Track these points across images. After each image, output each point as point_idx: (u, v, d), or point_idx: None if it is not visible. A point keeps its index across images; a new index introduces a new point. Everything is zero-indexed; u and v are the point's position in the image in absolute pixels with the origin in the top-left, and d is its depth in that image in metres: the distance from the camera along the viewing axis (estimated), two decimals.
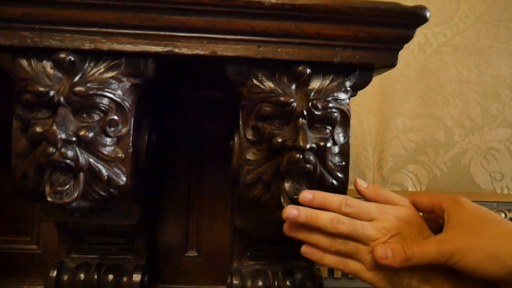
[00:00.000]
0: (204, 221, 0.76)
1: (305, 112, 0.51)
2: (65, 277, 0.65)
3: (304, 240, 0.53)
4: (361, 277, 0.51)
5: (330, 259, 0.52)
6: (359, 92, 0.58)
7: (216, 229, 0.77)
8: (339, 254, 0.52)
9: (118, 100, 0.51)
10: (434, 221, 0.54)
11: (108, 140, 0.51)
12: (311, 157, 0.51)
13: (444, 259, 0.46)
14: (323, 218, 0.50)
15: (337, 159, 0.55)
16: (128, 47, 0.49)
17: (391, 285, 0.50)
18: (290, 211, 0.50)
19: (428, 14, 0.50)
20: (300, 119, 0.51)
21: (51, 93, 0.48)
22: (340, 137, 0.54)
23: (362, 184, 0.55)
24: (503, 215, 1.09)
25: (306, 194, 0.51)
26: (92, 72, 0.50)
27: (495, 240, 0.45)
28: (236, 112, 0.57)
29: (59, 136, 0.46)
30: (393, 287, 0.50)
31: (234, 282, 0.66)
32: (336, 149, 0.55)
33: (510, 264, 0.43)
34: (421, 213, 0.55)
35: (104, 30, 0.48)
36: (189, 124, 0.75)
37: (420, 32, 1.18)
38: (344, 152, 0.55)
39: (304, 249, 0.54)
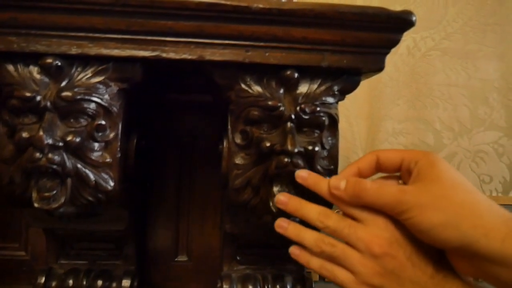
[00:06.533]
0: (194, 225, 0.76)
1: (293, 116, 0.51)
2: (54, 284, 0.65)
3: (293, 239, 0.49)
4: None
5: (315, 263, 0.47)
6: (349, 96, 0.58)
7: (206, 234, 0.76)
8: (325, 257, 0.46)
9: (106, 105, 0.51)
10: (395, 179, 0.49)
11: (96, 145, 0.51)
12: (300, 161, 0.51)
13: (399, 210, 0.41)
14: (310, 209, 0.47)
15: (325, 163, 0.55)
16: (116, 52, 0.49)
17: None
18: (280, 198, 0.49)
19: (414, 18, 0.50)
20: (288, 123, 0.51)
21: (38, 98, 0.47)
22: (328, 141, 0.55)
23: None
24: None
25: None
26: (79, 77, 0.49)
27: (460, 207, 0.39)
28: (226, 117, 0.57)
29: (45, 142, 0.46)
30: None
31: (224, 286, 0.66)
32: (324, 153, 0.55)
33: (468, 235, 0.38)
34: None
35: (91, 35, 0.48)
36: (178, 128, 0.74)
37: (409, 36, 1.19)
38: (333, 156, 0.55)
39: (292, 249, 0.51)
